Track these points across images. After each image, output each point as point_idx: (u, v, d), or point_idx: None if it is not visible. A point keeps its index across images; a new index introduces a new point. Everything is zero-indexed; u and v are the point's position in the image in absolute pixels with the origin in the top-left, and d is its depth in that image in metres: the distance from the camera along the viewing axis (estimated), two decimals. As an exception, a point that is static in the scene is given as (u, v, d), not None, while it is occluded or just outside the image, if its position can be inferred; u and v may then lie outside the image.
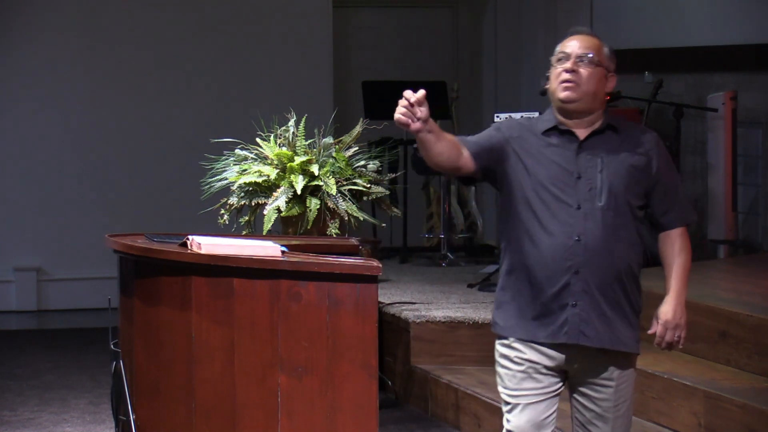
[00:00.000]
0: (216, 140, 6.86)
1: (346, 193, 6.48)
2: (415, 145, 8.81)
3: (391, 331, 7.16)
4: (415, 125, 3.97)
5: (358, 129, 6.79)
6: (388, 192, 6.80)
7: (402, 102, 3.98)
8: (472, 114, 11.30)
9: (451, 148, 4.10)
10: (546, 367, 4.15)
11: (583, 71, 4.09)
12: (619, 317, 4.12)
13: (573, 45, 4.14)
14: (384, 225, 8.00)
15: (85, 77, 10.25)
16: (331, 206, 6.43)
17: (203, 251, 4.80)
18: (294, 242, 5.30)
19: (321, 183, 6.43)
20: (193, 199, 7.22)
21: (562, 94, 4.10)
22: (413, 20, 11.57)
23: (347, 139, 6.75)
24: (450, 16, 11.70)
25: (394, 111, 4.01)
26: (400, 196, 9.33)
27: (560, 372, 4.18)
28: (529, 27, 11.17)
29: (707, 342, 5.96)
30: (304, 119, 6.67)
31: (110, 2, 10.31)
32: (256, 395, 4.68)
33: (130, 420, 4.95)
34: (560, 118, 4.15)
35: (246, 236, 5.98)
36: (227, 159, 6.64)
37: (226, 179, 6.57)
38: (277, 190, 6.45)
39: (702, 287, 6.71)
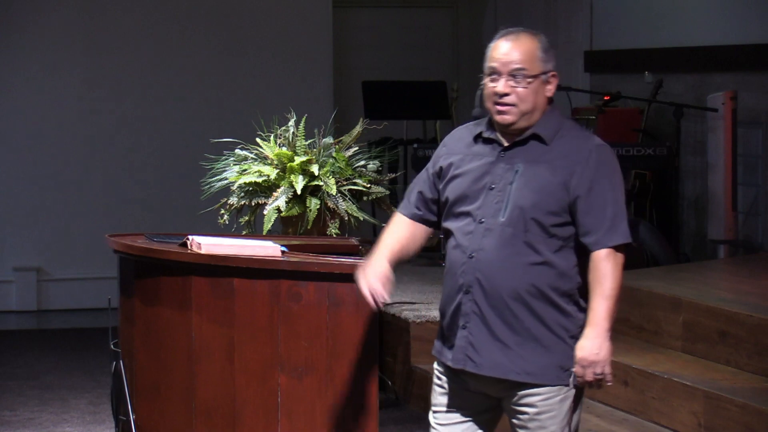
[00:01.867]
0: (216, 140, 6.86)
1: (346, 193, 6.48)
2: (415, 145, 8.82)
3: (391, 331, 7.16)
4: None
5: (358, 129, 6.78)
6: (388, 192, 6.79)
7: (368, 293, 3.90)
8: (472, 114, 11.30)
9: (418, 241, 4.02)
10: (467, 389, 3.88)
11: (520, 90, 3.78)
12: (522, 343, 3.75)
13: (503, 56, 3.80)
14: (384, 225, 7.99)
15: (84, 77, 10.26)
16: (331, 206, 6.43)
17: (203, 251, 4.80)
18: (294, 242, 5.30)
19: (321, 183, 6.43)
20: (193, 199, 7.22)
21: (498, 118, 3.80)
22: (413, 20, 11.58)
23: (347, 139, 6.75)
24: (450, 16, 11.71)
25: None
26: (400, 196, 9.33)
27: (486, 395, 3.88)
28: (529, 27, 11.15)
29: (707, 342, 5.96)
30: (304, 119, 6.66)
31: (110, 3, 10.32)
32: (256, 395, 4.68)
33: (130, 420, 4.95)
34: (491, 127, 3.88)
35: (246, 236, 5.98)
36: (227, 159, 6.64)
37: (226, 179, 6.57)
38: (277, 190, 6.45)
39: (702, 287, 6.71)
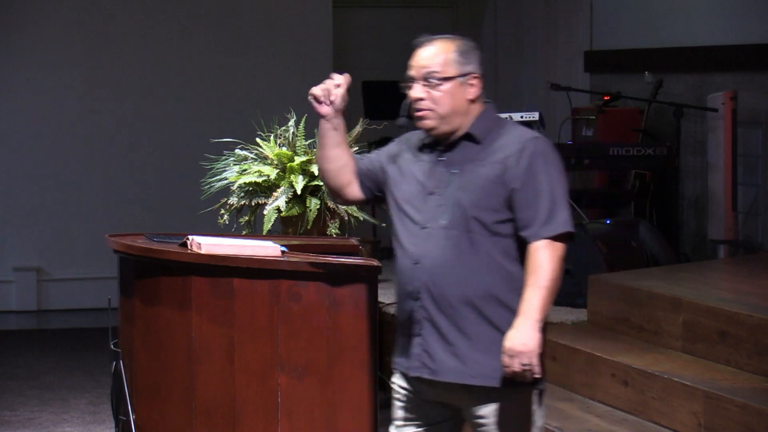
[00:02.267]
0: (216, 140, 6.86)
1: (346, 193, 6.48)
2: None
3: (391, 331, 7.14)
4: (325, 109, 3.90)
5: (358, 129, 6.78)
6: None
7: (328, 81, 3.90)
8: (472, 114, 11.29)
9: (344, 165, 3.97)
10: (424, 400, 3.86)
11: (434, 94, 3.78)
12: (474, 347, 3.70)
13: (417, 62, 3.84)
14: (384, 225, 7.98)
15: (84, 77, 10.26)
16: (331, 206, 6.43)
17: (203, 251, 4.80)
18: (294, 242, 5.29)
19: (321, 183, 6.43)
20: (193, 199, 7.22)
21: (419, 123, 3.82)
22: (413, 20, 11.57)
23: (347, 139, 6.74)
24: (450, 16, 11.70)
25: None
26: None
27: (445, 405, 3.86)
28: (529, 27, 11.16)
29: (707, 342, 5.96)
30: (304, 119, 6.66)
31: (110, 3, 10.32)
32: (256, 395, 4.68)
33: (130, 420, 4.95)
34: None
35: (246, 236, 5.98)
36: (227, 159, 6.63)
37: (226, 179, 6.57)
38: (277, 190, 6.44)
39: (702, 287, 6.70)
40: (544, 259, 3.64)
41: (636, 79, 9.46)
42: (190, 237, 4.93)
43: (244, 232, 6.47)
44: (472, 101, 3.82)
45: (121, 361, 5.07)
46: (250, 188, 6.53)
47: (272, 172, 6.48)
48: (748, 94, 8.32)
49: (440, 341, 3.75)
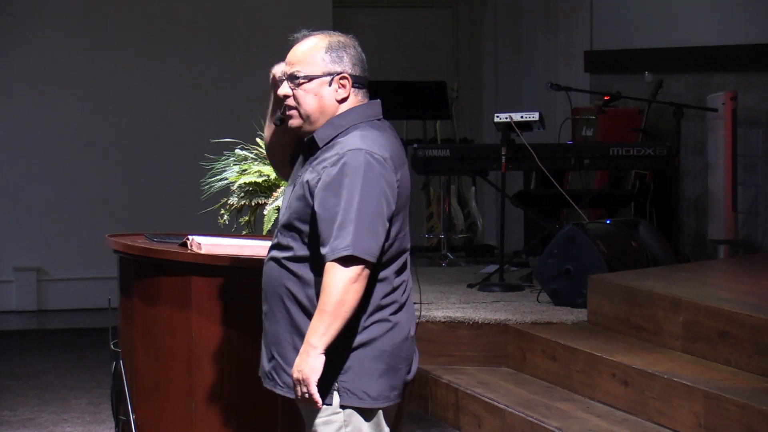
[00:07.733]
0: (216, 140, 6.86)
1: (346, 193, 6.47)
2: (415, 145, 8.82)
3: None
4: (285, 89, 3.71)
5: (358, 129, 6.78)
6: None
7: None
8: (472, 114, 11.30)
9: (287, 144, 3.87)
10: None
11: (297, 92, 3.64)
12: (281, 351, 3.71)
13: (287, 59, 3.70)
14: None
15: (84, 77, 10.26)
16: (331, 206, 6.42)
17: (203, 251, 4.80)
18: (294, 242, 5.28)
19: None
20: (193, 199, 7.22)
21: (288, 122, 3.70)
22: (413, 20, 11.57)
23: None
24: (450, 16, 11.70)
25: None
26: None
27: None
28: (529, 27, 11.16)
29: (707, 342, 5.97)
30: (304, 119, 6.66)
31: (110, 4, 10.32)
32: (256, 395, 4.68)
33: (130, 420, 4.95)
34: None
35: (246, 236, 5.98)
36: (227, 159, 6.63)
37: (226, 179, 6.56)
38: (277, 190, 6.44)
39: (702, 287, 6.71)
40: (329, 282, 3.49)
41: (636, 79, 9.46)
42: (190, 237, 4.93)
43: (244, 232, 6.47)
44: (340, 102, 3.68)
45: (121, 361, 5.07)
46: (250, 188, 6.52)
47: (272, 172, 6.48)
48: (748, 94, 8.32)
49: (264, 339, 3.83)
